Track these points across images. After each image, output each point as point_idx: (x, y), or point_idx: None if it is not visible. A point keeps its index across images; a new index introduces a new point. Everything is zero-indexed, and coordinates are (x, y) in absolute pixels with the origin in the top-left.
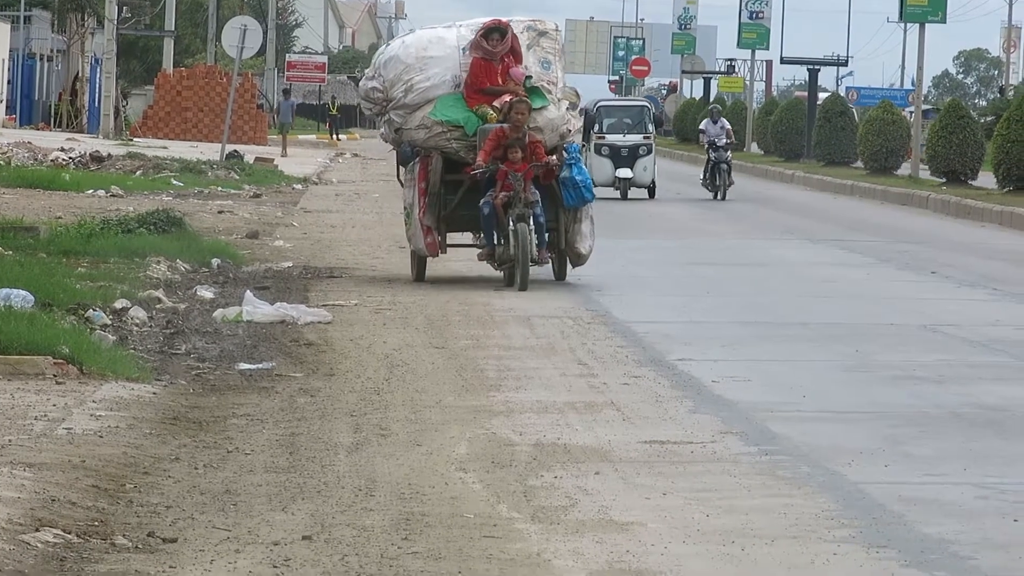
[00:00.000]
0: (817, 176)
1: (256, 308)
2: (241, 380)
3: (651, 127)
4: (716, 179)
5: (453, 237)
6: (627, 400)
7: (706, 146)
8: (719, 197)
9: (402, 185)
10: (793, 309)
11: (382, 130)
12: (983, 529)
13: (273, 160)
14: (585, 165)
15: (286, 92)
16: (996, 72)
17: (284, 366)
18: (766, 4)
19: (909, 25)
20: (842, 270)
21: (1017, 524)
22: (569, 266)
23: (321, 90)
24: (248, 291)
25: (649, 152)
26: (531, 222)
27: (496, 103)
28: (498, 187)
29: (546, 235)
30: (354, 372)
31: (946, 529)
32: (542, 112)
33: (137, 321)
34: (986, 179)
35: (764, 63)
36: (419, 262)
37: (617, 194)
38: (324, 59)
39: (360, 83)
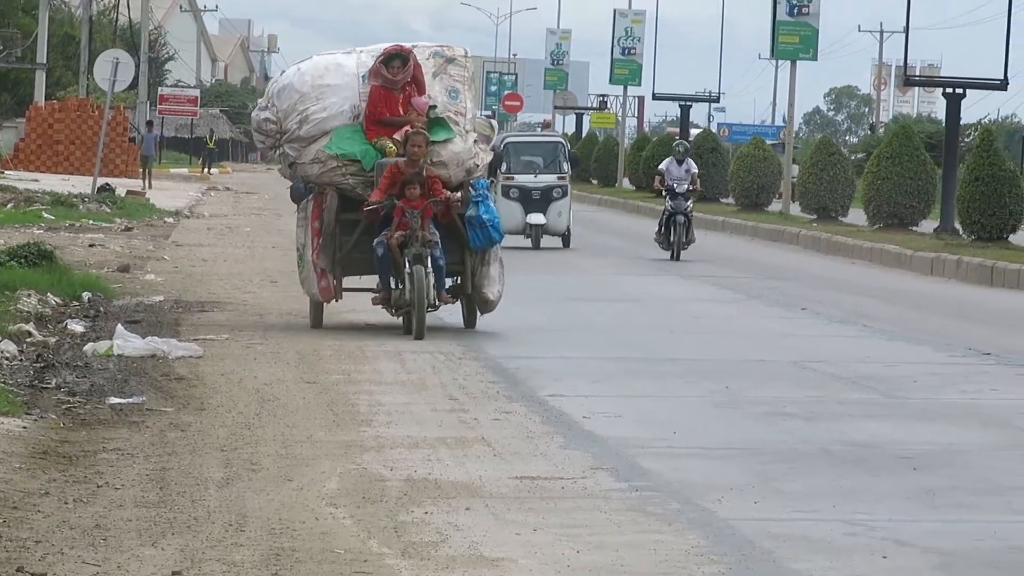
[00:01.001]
0: None
1: (127, 342)
2: (112, 414)
3: (566, 166)
4: (671, 234)
5: (351, 281)
6: (498, 436)
7: (664, 193)
8: (674, 256)
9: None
10: (664, 345)
11: (280, 164)
12: (852, 565)
13: (144, 193)
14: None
15: (149, 124)
16: (867, 109)
17: (155, 400)
18: (638, 40)
19: (780, 62)
20: (713, 306)
21: (886, 560)
22: (478, 313)
23: (194, 123)
24: (119, 325)
25: (564, 195)
26: (428, 263)
27: (397, 135)
28: (394, 226)
29: (446, 278)
30: (225, 407)
31: (815, 565)
32: (447, 145)
33: (7, 355)
34: (856, 216)
35: (636, 99)
36: (315, 308)
37: (528, 243)
38: (196, 92)
39: (253, 113)
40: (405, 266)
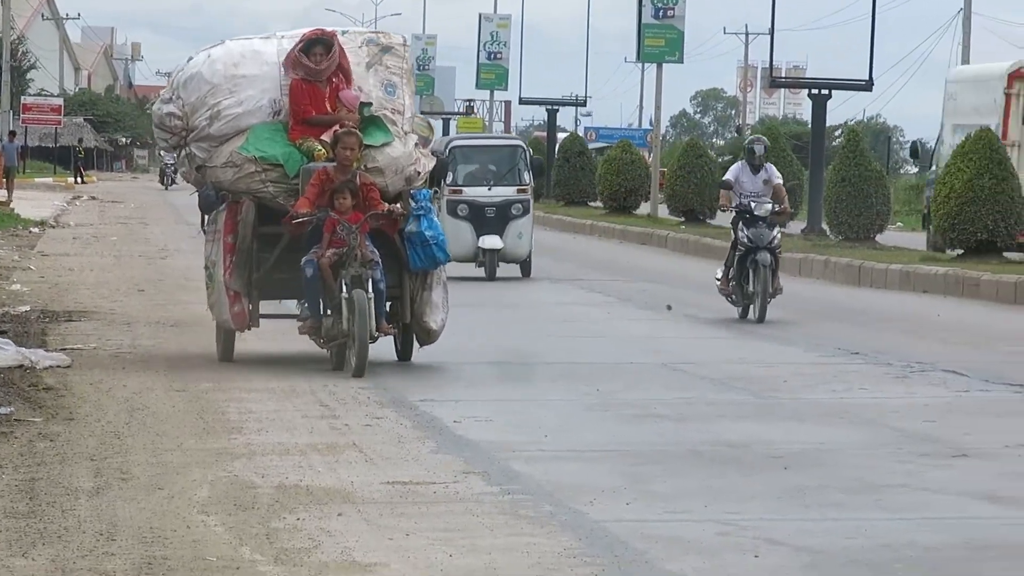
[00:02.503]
0: (557, 216)
1: None
2: None
3: (527, 176)
4: (751, 281)
5: (269, 306)
6: (369, 441)
7: (734, 212)
8: (755, 316)
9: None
10: (535, 349)
11: (183, 168)
12: (724, 565)
13: (8, 203)
14: None
15: (12, 135)
16: (733, 111)
17: (23, 411)
18: (504, 45)
19: (647, 65)
20: (583, 309)
21: (757, 560)
22: (416, 345)
23: (58, 132)
24: None
25: (525, 212)
26: (369, 288)
27: (325, 136)
28: (325, 242)
29: (386, 304)
30: (94, 416)
31: (688, 566)
32: (384, 149)
33: None
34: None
35: (503, 103)
36: (225, 336)
37: (480, 272)
38: (60, 101)
39: (154, 107)
40: (341, 290)
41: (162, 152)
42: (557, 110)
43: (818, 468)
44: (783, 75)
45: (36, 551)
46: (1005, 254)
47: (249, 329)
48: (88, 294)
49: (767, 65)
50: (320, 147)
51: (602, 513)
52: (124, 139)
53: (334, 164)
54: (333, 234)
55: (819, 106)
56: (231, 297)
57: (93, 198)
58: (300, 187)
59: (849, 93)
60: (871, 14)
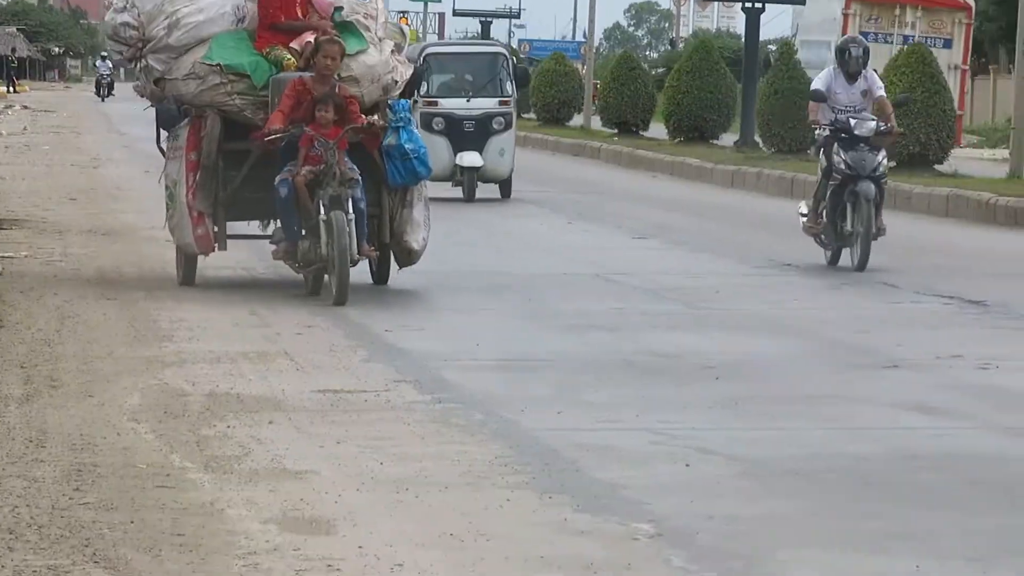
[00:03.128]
0: None
1: None
2: None
3: (510, 87)
4: (849, 218)
5: (236, 227)
6: (301, 349)
7: (826, 133)
8: (853, 262)
9: (163, 156)
10: (468, 260)
11: (138, 80)
12: (655, 474)
13: None
14: None
15: None
16: (667, 24)
17: None
18: None
19: None
20: (517, 220)
21: (688, 469)
22: (394, 266)
23: None
24: None
25: (507, 127)
26: (349, 208)
27: (295, 43)
28: (300, 159)
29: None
30: (24, 324)
31: (619, 475)
32: (358, 57)
33: None
34: (658, 130)
35: (437, 15)
36: (187, 260)
37: (457, 192)
38: None
39: (106, 17)
40: (319, 211)
41: (97, 63)
42: (491, 22)
43: (749, 378)
44: None
45: None
46: (936, 166)
47: (215, 251)
48: (19, 203)
49: None
50: (289, 56)
51: (533, 422)
52: (57, 49)
53: (310, 74)
54: (309, 150)
55: (752, 20)
56: (194, 219)
57: (25, 107)
58: (270, 99)
59: (782, 7)
60: None
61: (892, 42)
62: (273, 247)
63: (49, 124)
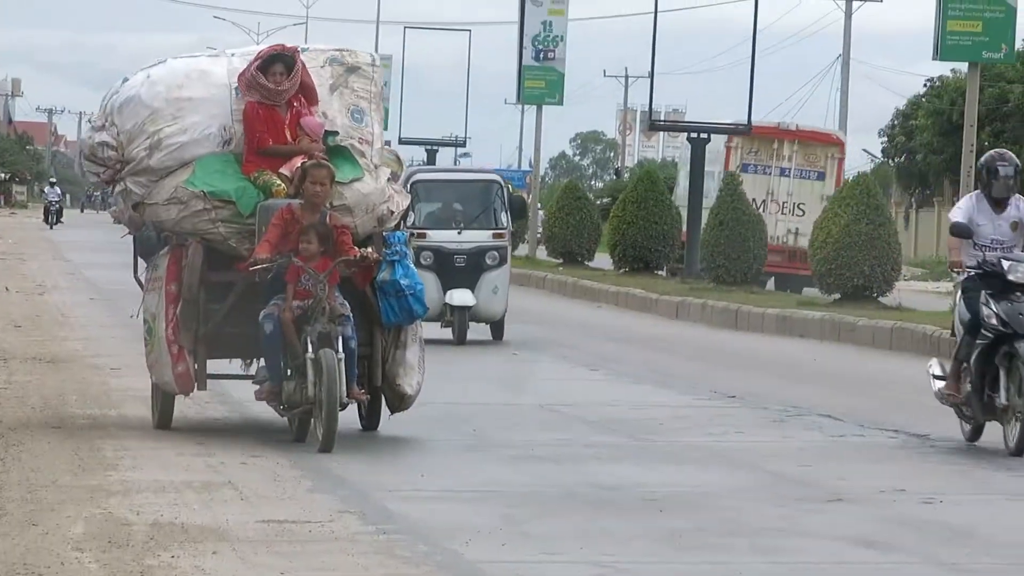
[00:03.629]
0: None
1: None
2: None
3: (504, 218)
4: (1004, 388)
5: (217, 365)
6: (245, 479)
7: (971, 275)
8: (1008, 444)
9: (141, 288)
10: None
11: (114, 206)
12: None
13: None
14: None
15: None
16: (612, 154)
17: None
18: (386, 85)
19: (527, 107)
20: (460, 350)
21: None
22: (385, 411)
23: None
24: None
25: (501, 262)
26: (339, 346)
27: (285, 169)
28: (289, 293)
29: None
30: None
31: None
32: (352, 185)
33: None
34: (603, 260)
35: (384, 143)
36: (164, 400)
37: (447, 334)
38: None
39: (83, 136)
40: (307, 349)
41: (46, 189)
42: (436, 150)
43: (694, 511)
44: (662, 118)
45: None
46: (880, 299)
47: (194, 391)
48: None
49: (646, 108)
50: (279, 182)
51: (478, 554)
52: (3, 175)
53: (299, 202)
54: (297, 284)
55: (698, 149)
56: (174, 355)
57: None
58: (257, 228)
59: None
60: (751, 59)
61: (770, 174)
62: (256, 387)
63: None
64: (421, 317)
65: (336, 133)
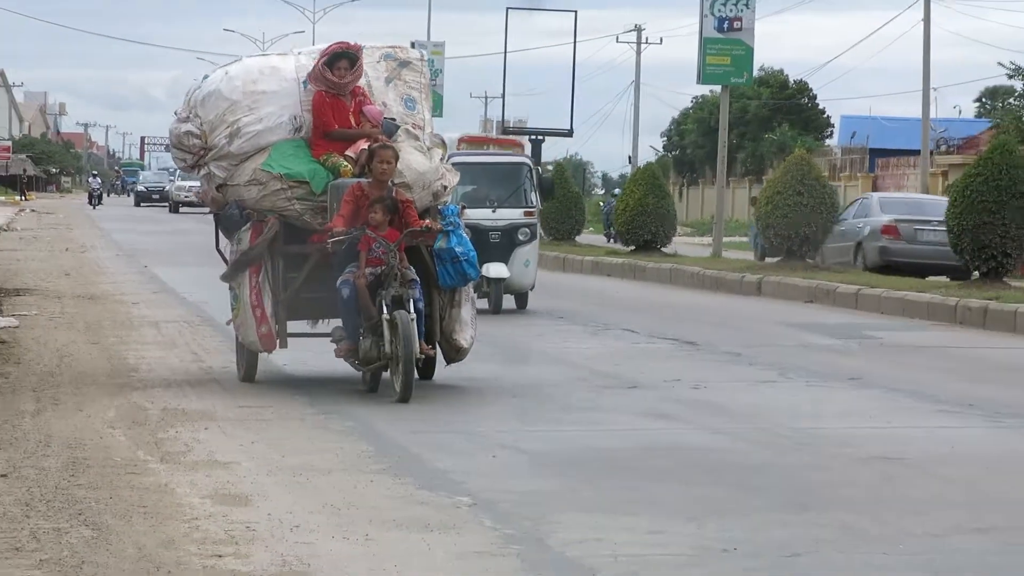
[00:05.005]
0: None
1: None
2: None
3: (534, 197)
4: None
5: (296, 325)
6: (226, 379)
7: None
8: None
9: (224, 260)
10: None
11: (200, 186)
12: (473, 461)
13: None
14: None
15: None
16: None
17: None
18: (439, 72)
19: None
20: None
21: (495, 459)
22: (440, 362)
23: (8, 165)
24: None
25: (532, 237)
26: (411, 308)
27: (350, 151)
28: (362, 261)
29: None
30: (35, 361)
31: (448, 464)
32: (410, 164)
33: None
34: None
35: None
36: (249, 357)
37: (483, 304)
38: (8, 143)
39: (170, 126)
40: (383, 311)
41: (90, 179)
42: (542, 140)
43: (537, 396)
44: (511, 125)
45: None
46: (663, 249)
47: (276, 349)
48: (31, 277)
49: (500, 119)
50: (346, 163)
51: (386, 427)
52: (54, 169)
53: (367, 180)
54: (368, 252)
55: (536, 148)
56: (258, 318)
57: (33, 211)
58: (328, 204)
59: (558, 139)
60: (571, 84)
61: None
62: (335, 346)
63: (50, 223)
64: (475, 279)
65: (393, 119)
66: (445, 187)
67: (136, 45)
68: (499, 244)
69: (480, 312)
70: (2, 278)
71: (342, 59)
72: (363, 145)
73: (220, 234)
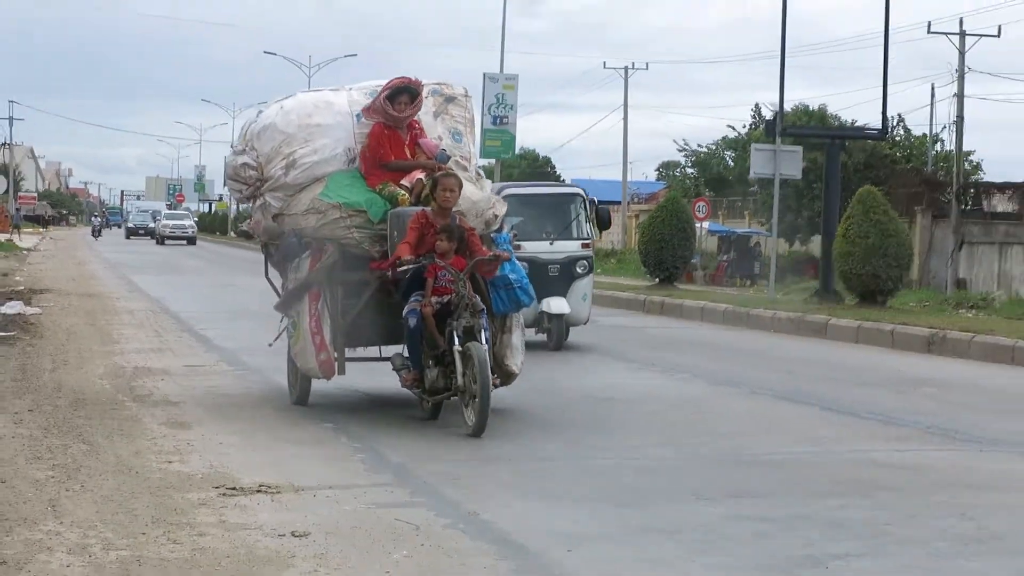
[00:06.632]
0: None
1: (5, 307)
2: None
3: (589, 229)
4: None
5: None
6: (177, 346)
7: None
8: None
9: (273, 287)
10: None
11: (253, 217)
12: (401, 434)
13: (13, 240)
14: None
15: (18, 210)
16: None
17: (20, 333)
18: (511, 108)
19: None
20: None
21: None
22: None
23: (35, 209)
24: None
25: (588, 271)
26: (483, 339)
27: (405, 180)
28: (428, 289)
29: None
30: (52, 336)
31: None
32: (463, 193)
33: None
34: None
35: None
36: (302, 382)
37: (542, 338)
38: (35, 194)
39: (227, 159)
40: (453, 342)
41: (92, 218)
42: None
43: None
44: None
45: (24, 398)
46: (678, 285)
47: (334, 376)
48: (51, 281)
49: None
50: (403, 192)
51: (352, 437)
52: (65, 211)
53: (430, 208)
54: (435, 281)
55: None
56: (317, 345)
57: (51, 239)
58: (388, 232)
59: None
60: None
61: None
62: (399, 375)
63: (64, 246)
64: (528, 306)
65: (446, 151)
66: (496, 216)
67: (120, 132)
68: (558, 277)
69: (539, 346)
70: (32, 281)
71: (403, 94)
72: (418, 175)
73: (267, 263)
